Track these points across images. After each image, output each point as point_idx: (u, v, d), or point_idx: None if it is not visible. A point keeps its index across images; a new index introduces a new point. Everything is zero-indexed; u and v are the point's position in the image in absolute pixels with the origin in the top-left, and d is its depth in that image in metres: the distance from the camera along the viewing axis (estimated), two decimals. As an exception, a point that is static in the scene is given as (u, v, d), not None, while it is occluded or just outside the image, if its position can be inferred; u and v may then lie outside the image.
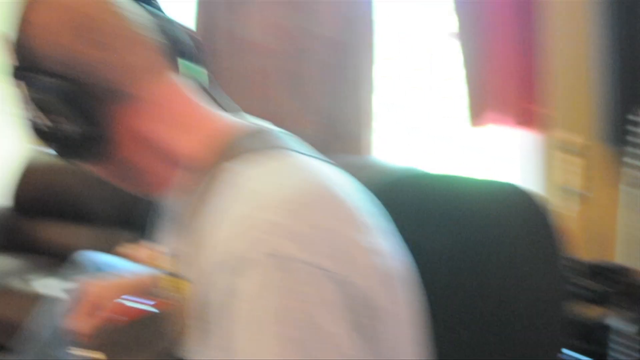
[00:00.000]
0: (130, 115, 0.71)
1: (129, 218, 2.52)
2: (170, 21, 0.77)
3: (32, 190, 3.01)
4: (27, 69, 0.69)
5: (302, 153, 0.72)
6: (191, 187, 0.70)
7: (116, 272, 1.78)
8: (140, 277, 1.03)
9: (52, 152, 0.73)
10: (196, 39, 0.80)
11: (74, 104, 0.67)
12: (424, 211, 0.98)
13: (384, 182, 1.02)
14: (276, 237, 0.59)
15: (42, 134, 0.70)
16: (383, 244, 0.67)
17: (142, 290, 0.98)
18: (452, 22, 2.34)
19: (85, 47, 0.68)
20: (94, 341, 0.82)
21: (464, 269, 0.96)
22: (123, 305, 0.97)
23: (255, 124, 0.75)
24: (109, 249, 2.14)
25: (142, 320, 0.81)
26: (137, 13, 0.73)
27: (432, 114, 2.58)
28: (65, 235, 2.89)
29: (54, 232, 2.94)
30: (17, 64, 0.69)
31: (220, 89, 0.82)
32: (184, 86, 0.75)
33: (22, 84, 0.68)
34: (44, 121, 0.68)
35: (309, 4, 2.47)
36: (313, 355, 0.56)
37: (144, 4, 0.75)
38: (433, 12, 2.53)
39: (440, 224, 0.98)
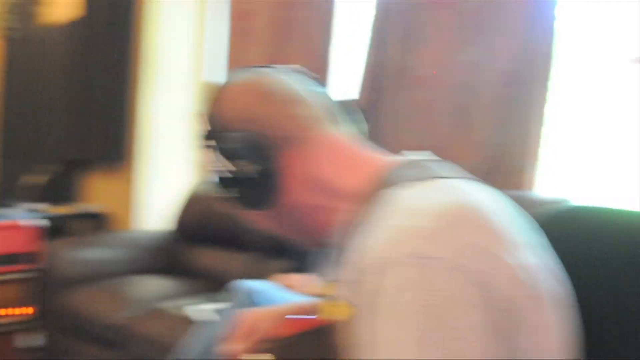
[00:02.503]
0: (302, 159, 0.84)
1: (284, 247, 2.57)
2: (326, 92, 0.93)
3: (194, 217, 3.19)
4: (219, 130, 0.85)
5: (456, 178, 0.79)
6: (354, 217, 0.79)
7: (271, 300, 1.82)
8: (297, 304, 1.08)
9: (233, 201, 0.87)
10: (351, 104, 0.94)
11: (256, 151, 0.82)
12: (580, 245, 0.97)
13: (541, 216, 1.00)
14: (419, 239, 0.64)
15: (228, 182, 0.84)
16: (532, 262, 0.70)
17: (302, 313, 1.04)
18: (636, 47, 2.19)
19: (264, 103, 0.85)
20: (263, 346, 0.88)
21: (619, 303, 0.92)
22: (289, 320, 1.03)
23: (412, 158, 0.83)
24: (263, 277, 2.20)
25: (311, 332, 0.85)
26: (301, 84, 0.90)
27: (607, 147, 2.41)
28: (222, 261, 3.02)
29: (211, 258, 3.09)
30: (210, 128, 0.86)
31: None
32: (344, 134, 0.88)
33: (214, 142, 0.85)
34: (230, 170, 0.83)
35: (483, 39, 2.47)
36: (450, 349, 0.59)
37: (303, 80, 0.93)
38: (615, 37, 2.37)
39: (598, 258, 0.95)
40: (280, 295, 1.90)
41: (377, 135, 2.76)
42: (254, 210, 0.87)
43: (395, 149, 2.70)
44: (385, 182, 0.78)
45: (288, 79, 0.89)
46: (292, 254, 2.38)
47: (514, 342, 0.65)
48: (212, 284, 2.92)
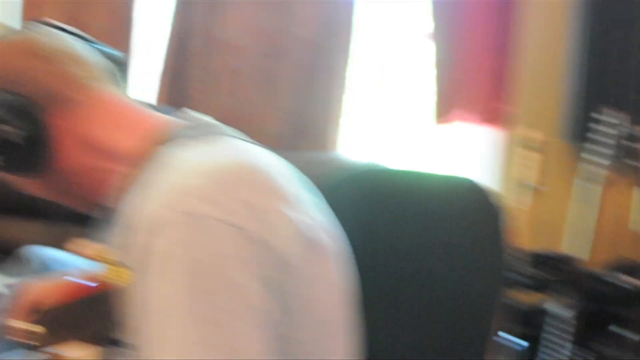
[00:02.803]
0: (73, 119, 0.78)
1: (78, 213, 2.50)
2: (102, 48, 0.88)
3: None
4: None
5: (234, 138, 0.78)
6: (130, 178, 0.76)
7: (61, 268, 1.77)
8: (82, 271, 1.05)
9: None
10: (123, 61, 0.90)
11: (18, 113, 0.75)
12: (379, 204, 1.02)
13: (342, 176, 1.05)
14: (192, 198, 0.63)
15: None
16: (309, 217, 0.71)
17: (86, 280, 1.02)
18: (429, 24, 2.43)
19: (30, 62, 0.78)
20: (36, 316, 0.85)
21: (410, 256, 1.00)
22: (68, 286, 1.01)
23: (191, 118, 0.81)
24: (57, 244, 2.13)
25: (85, 301, 0.84)
26: (75, 41, 0.85)
27: (401, 113, 2.63)
28: (13, 230, 2.88)
29: (1, 227, 2.92)
30: None
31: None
32: (120, 94, 0.83)
33: None
34: None
35: (288, 5, 2.54)
36: (220, 305, 0.60)
37: (79, 38, 0.87)
38: (411, 14, 2.59)
39: (394, 216, 1.01)
40: (72, 262, 1.86)
41: (183, 100, 2.75)
42: (23, 177, 0.81)
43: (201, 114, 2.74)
44: (161, 141, 0.76)
45: (61, 37, 0.84)
46: (86, 220, 2.32)
47: (291, 296, 0.66)
48: (3, 255, 2.79)
